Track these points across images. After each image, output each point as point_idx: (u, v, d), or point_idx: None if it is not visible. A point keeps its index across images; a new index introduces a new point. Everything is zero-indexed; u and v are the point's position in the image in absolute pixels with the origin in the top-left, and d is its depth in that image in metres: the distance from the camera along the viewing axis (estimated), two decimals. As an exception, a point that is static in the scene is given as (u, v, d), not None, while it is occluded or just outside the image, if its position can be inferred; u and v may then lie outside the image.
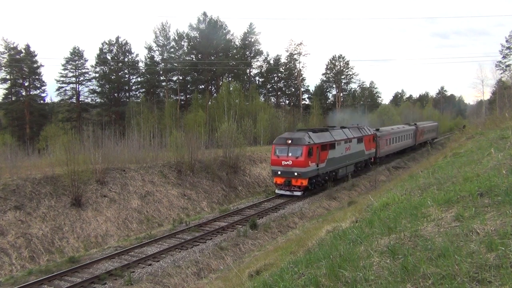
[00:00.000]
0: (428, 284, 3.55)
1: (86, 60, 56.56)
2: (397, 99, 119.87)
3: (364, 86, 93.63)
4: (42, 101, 56.43)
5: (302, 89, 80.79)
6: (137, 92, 62.99)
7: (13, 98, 52.90)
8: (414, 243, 4.71)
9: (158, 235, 20.12)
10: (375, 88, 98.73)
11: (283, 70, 77.93)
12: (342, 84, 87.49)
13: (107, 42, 58.17)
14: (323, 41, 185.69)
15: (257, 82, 76.37)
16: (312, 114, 68.93)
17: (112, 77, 58.23)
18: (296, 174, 26.61)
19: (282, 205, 25.94)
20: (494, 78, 77.05)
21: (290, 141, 26.81)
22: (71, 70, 55.96)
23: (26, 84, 53.54)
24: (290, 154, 26.58)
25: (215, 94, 64.53)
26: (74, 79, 56.39)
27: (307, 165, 26.41)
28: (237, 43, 70.81)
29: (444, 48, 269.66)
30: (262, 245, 19.02)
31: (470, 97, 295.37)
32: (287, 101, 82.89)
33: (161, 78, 63.67)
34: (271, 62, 76.11)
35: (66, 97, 56.71)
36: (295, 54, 77.09)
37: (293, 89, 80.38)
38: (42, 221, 20.37)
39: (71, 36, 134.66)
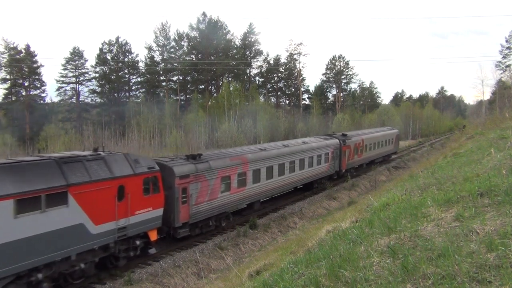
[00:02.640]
0: (428, 284, 3.55)
1: (86, 60, 56.73)
2: (397, 99, 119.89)
3: (364, 86, 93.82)
4: (42, 101, 56.61)
5: (302, 89, 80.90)
6: (137, 92, 63.13)
7: (13, 98, 52.98)
8: (414, 243, 4.70)
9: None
10: (375, 88, 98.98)
11: (283, 70, 77.98)
12: (342, 84, 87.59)
13: (107, 42, 58.25)
14: (323, 41, 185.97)
15: (257, 82, 76.39)
16: (312, 114, 68.99)
17: (112, 77, 58.27)
18: None
19: (282, 205, 25.82)
20: (494, 78, 77.13)
21: None
22: (71, 70, 56.04)
23: (26, 84, 53.61)
24: None
25: (215, 94, 64.57)
26: (74, 79, 56.47)
27: None
28: (237, 43, 70.90)
29: (443, 48, 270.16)
30: (262, 245, 19.01)
31: (470, 97, 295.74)
32: (287, 101, 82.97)
33: (161, 78, 63.72)
34: (271, 62, 76.20)
35: (66, 97, 56.89)
36: (295, 54, 77.20)
37: (293, 89, 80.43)
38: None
39: (71, 36, 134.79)
